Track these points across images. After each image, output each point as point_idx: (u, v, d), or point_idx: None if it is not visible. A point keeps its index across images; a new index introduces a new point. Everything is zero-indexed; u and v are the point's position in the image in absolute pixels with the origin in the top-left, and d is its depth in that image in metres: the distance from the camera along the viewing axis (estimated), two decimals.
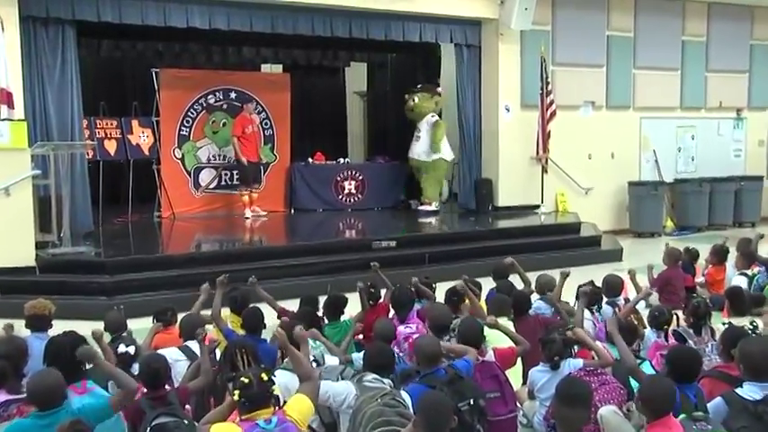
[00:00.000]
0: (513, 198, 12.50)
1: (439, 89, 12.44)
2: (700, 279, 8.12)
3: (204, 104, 12.14)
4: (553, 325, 5.33)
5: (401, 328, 5.28)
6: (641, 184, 13.26)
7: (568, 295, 6.01)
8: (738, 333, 4.32)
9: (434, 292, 6.16)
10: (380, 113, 15.08)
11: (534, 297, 6.08)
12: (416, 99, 12.34)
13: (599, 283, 6.14)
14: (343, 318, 5.65)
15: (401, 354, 5.02)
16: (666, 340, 4.99)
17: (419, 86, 12.66)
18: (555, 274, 6.60)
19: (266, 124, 12.73)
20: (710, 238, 11.31)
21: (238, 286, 5.81)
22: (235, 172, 12.11)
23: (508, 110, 12.46)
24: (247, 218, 11.58)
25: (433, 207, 12.30)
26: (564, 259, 10.30)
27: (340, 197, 13.00)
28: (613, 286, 6.20)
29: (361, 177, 13.13)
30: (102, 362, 3.89)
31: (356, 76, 15.80)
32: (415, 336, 5.08)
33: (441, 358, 4.18)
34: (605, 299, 6.03)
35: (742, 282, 7.33)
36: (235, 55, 13.33)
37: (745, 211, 14.11)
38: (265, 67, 14.38)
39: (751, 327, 4.83)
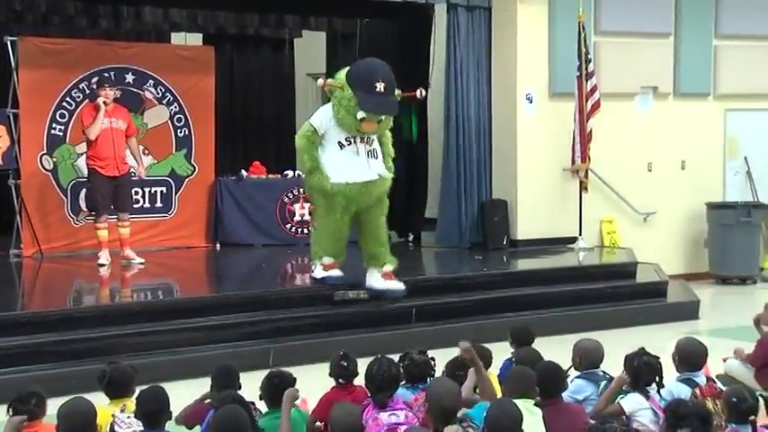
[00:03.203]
0: (539, 228, 12.61)
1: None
2: None
3: (87, 90, 12.15)
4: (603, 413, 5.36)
5: (383, 417, 5.31)
6: (726, 207, 13.46)
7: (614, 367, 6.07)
8: None
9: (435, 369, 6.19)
10: None
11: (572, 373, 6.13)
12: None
13: (656, 351, 6.22)
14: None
15: None
16: None
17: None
18: (601, 337, 6.68)
19: (179, 121, 12.80)
20: None
21: (116, 360, 5.83)
22: (134, 190, 12.08)
23: (531, 100, 12.61)
24: (102, 265, 11.04)
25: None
26: (613, 316, 10.43)
27: (288, 226, 13.04)
28: (691, 355, 6.22)
29: None
30: None
31: (311, 52, 15.89)
32: (403, 428, 5.11)
33: None
34: (678, 374, 6.07)
35: None
36: (132, 19, 13.37)
37: None
38: (178, 38, 14.46)
39: None
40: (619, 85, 12.99)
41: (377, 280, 9.56)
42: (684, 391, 5.72)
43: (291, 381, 5.65)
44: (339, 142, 9.33)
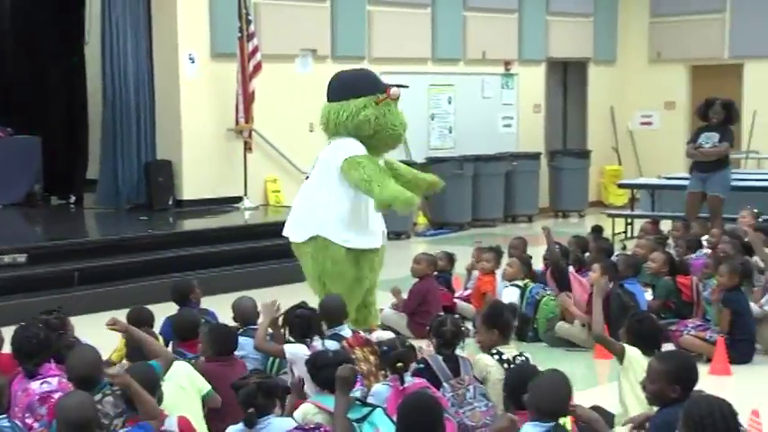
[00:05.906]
0: (204, 188, 12.70)
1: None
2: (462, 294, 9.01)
3: None
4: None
5: (34, 386, 5.25)
6: None
7: None
8: (527, 372, 4.87)
9: (70, 329, 6.15)
10: None
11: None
12: None
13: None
14: None
15: (35, 424, 5.04)
16: (402, 383, 5.40)
17: None
18: (262, 295, 6.90)
19: None
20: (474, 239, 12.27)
21: None
22: None
23: (193, 60, 12.60)
24: None
25: None
26: (278, 273, 10.66)
27: None
28: (332, 311, 6.55)
29: None
30: None
31: None
32: (57, 395, 5.09)
33: (96, 427, 4.35)
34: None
35: (513, 295, 8.18)
36: None
37: (520, 201, 15.55)
38: None
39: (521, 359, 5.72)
40: (279, 46, 13.22)
41: None
42: (334, 346, 6.06)
43: None
44: None
